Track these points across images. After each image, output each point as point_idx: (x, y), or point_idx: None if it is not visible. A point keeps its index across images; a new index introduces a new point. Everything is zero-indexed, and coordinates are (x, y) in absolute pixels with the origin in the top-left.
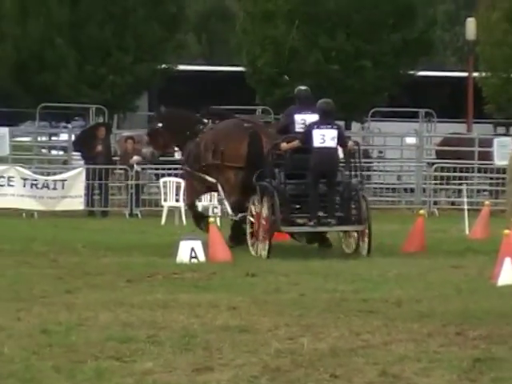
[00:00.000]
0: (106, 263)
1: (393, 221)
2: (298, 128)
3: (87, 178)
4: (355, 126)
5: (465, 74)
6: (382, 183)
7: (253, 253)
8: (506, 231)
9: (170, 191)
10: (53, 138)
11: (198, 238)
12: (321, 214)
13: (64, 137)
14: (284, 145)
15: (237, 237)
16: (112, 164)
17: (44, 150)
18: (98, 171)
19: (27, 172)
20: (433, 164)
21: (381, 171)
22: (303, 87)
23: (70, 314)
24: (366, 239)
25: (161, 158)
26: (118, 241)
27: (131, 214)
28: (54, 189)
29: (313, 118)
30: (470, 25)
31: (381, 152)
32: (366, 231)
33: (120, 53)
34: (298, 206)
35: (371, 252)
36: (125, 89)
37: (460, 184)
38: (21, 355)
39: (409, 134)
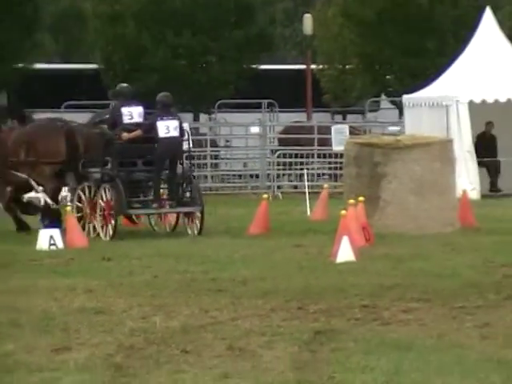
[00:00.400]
0: None
1: (240, 205)
2: (126, 120)
3: None
4: (203, 117)
5: (304, 67)
6: (229, 170)
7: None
8: (343, 212)
9: None
10: None
11: (57, 227)
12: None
13: None
14: (125, 134)
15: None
16: None
17: None
18: None
19: None
20: (276, 151)
21: (228, 159)
22: (124, 84)
23: None
24: (198, 221)
25: None
26: None
27: None
28: None
29: (138, 109)
30: (307, 21)
31: (227, 141)
32: (198, 213)
33: None
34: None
35: (202, 232)
36: None
37: (301, 169)
38: None
39: (253, 123)
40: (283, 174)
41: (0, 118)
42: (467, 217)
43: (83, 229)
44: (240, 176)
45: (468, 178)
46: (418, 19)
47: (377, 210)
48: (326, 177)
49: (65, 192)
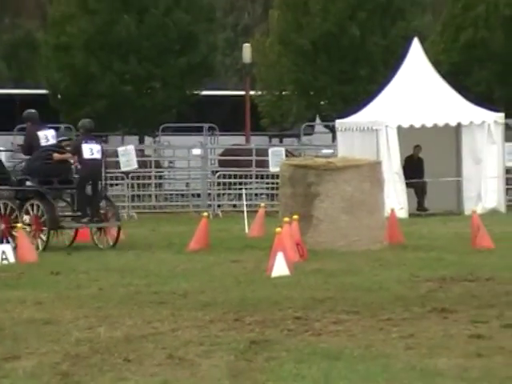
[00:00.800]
0: None
1: (182, 223)
2: (43, 142)
3: None
4: (148, 139)
5: (243, 93)
6: (172, 190)
7: None
8: (279, 229)
9: None
10: None
11: (8, 242)
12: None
13: None
14: (56, 155)
15: None
16: None
17: None
18: None
19: None
20: (216, 172)
21: (171, 179)
22: (32, 110)
23: None
24: (115, 234)
25: None
26: None
27: None
28: None
29: (51, 132)
30: (247, 50)
31: (171, 162)
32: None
33: None
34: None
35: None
36: None
37: (240, 189)
38: None
39: (195, 146)
40: (223, 194)
41: None
42: (395, 234)
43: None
44: (183, 195)
45: (396, 198)
46: (351, 48)
47: (310, 228)
48: (264, 196)
49: None
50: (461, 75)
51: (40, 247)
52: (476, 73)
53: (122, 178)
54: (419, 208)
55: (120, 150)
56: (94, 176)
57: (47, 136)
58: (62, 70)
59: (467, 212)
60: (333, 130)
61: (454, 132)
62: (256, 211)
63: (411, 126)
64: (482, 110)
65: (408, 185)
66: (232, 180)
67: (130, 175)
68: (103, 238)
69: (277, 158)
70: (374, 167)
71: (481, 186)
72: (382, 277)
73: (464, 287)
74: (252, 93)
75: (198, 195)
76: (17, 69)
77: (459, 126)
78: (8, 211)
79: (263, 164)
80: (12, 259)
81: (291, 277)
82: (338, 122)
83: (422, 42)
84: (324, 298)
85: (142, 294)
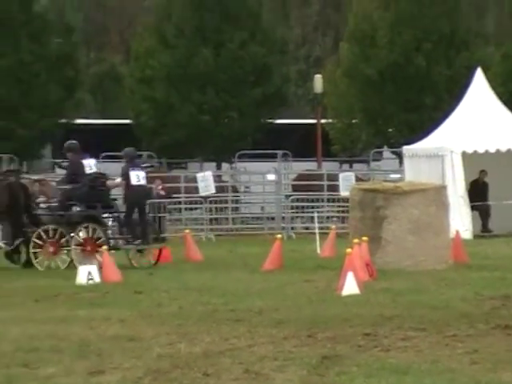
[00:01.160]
0: (18, 285)
1: (257, 244)
2: (88, 170)
3: None
4: (225, 166)
5: (315, 121)
6: (248, 213)
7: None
8: (349, 250)
9: None
10: None
11: (94, 263)
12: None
13: None
14: (110, 182)
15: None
16: None
17: None
18: None
19: None
20: (289, 196)
21: (247, 203)
22: (74, 141)
23: None
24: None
25: None
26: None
27: None
28: None
29: (92, 161)
30: (318, 80)
31: (247, 187)
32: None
33: (27, 110)
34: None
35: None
36: (31, 140)
37: (312, 212)
38: None
39: (269, 171)
40: (296, 217)
41: None
42: (460, 254)
43: (41, 264)
44: (258, 218)
45: (461, 221)
46: (416, 78)
47: (379, 249)
48: (335, 219)
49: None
50: None
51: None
52: None
53: (201, 202)
54: (483, 230)
55: (199, 176)
56: (142, 200)
57: (90, 164)
58: (145, 101)
59: None
60: (400, 155)
61: None
62: (327, 233)
63: (475, 152)
64: None
65: (473, 208)
66: (305, 204)
67: (208, 199)
68: (143, 258)
69: (347, 182)
70: (440, 191)
71: None
72: (448, 295)
73: None
74: (323, 121)
75: (273, 218)
76: (102, 100)
77: None
78: (57, 236)
79: (334, 188)
80: (97, 279)
81: (361, 295)
82: (405, 149)
83: (486, 72)
84: (392, 316)
85: (220, 312)
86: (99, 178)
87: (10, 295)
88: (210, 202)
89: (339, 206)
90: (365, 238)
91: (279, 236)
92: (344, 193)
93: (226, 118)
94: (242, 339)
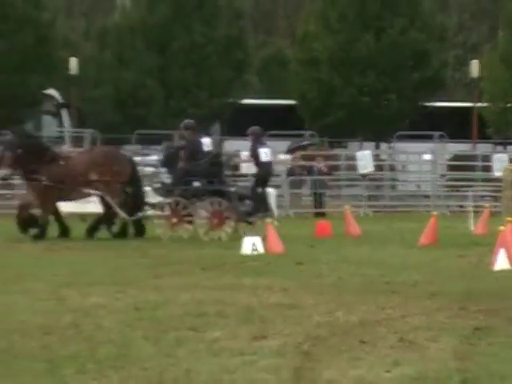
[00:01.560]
0: (186, 255)
1: (413, 220)
2: (205, 148)
3: None
4: (383, 145)
5: (471, 104)
6: (404, 191)
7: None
8: (501, 227)
9: None
10: (146, 158)
11: (258, 235)
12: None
13: (154, 157)
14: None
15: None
16: None
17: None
18: None
19: None
20: (445, 175)
21: (404, 181)
22: (191, 120)
23: (156, 294)
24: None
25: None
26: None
27: None
28: None
29: (208, 140)
30: (474, 65)
31: (404, 166)
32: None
33: (198, 90)
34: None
35: None
36: (201, 119)
37: (466, 191)
38: (117, 327)
39: (426, 152)
40: (451, 195)
41: None
42: None
43: (165, 234)
44: (414, 196)
45: None
46: None
47: None
48: (488, 198)
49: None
50: None
51: (225, 237)
52: None
53: (360, 180)
54: None
55: (358, 154)
56: (268, 176)
57: (207, 142)
58: (309, 82)
59: None
60: None
61: None
62: (480, 211)
63: None
64: None
65: None
66: (459, 183)
67: (366, 177)
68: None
69: (500, 163)
70: None
71: None
72: None
73: None
74: (479, 104)
75: (428, 196)
76: (268, 81)
77: None
78: (180, 207)
79: (488, 169)
80: (261, 250)
81: None
82: None
83: None
84: None
85: (376, 284)
86: (218, 155)
87: (179, 263)
88: (369, 180)
89: (492, 186)
90: None
91: (434, 213)
92: (497, 173)
93: (385, 100)
94: (397, 309)
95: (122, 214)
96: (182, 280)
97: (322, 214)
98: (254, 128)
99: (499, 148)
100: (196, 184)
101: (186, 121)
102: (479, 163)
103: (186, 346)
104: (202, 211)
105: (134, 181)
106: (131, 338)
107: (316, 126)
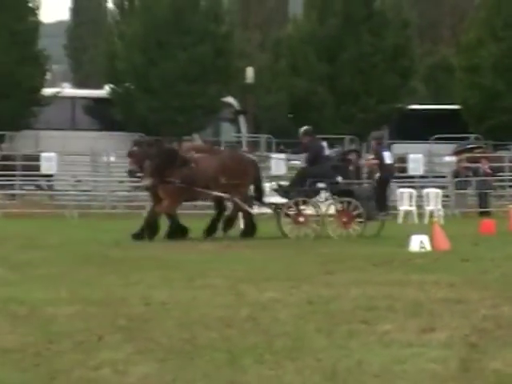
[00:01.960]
0: (357, 252)
1: None
2: (325, 152)
3: None
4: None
5: None
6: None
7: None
8: None
9: (406, 198)
10: None
11: (425, 233)
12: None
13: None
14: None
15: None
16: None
17: None
18: None
19: None
20: None
21: None
22: (308, 127)
23: (328, 289)
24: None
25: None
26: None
27: None
28: None
29: (325, 144)
30: None
31: None
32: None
33: (366, 97)
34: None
35: None
36: (370, 123)
37: None
38: (292, 320)
39: None
40: None
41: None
42: None
43: (291, 232)
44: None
45: None
46: None
47: None
48: None
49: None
50: None
51: (354, 234)
52: None
53: None
54: None
55: None
56: (391, 177)
57: (325, 147)
58: (472, 88)
59: None
60: None
61: None
62: None
63: None
64: None
65: None
66: None
67: None
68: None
69: None
70: None
71: None
72: None
73: None
74: None
75: None
76: (433, 88)
77: None
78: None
79: None
80: (428, 247)
81: None
82: None
83: None
84: None
85: None
86: (334, 158)
87: (350, 259)
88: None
89: None
90: None
91: None
92: None
93: None
94: None
95: (252, 212)
96: (352, 276)
97: (486, 213)
98: (377, 133)
99: None
100: (321, 185)
101: (305, 127)
102: None
103: (357, 338)
104: (332, 210)
105: (257, 182)
106: (305, 330)
107: (481, 129)
